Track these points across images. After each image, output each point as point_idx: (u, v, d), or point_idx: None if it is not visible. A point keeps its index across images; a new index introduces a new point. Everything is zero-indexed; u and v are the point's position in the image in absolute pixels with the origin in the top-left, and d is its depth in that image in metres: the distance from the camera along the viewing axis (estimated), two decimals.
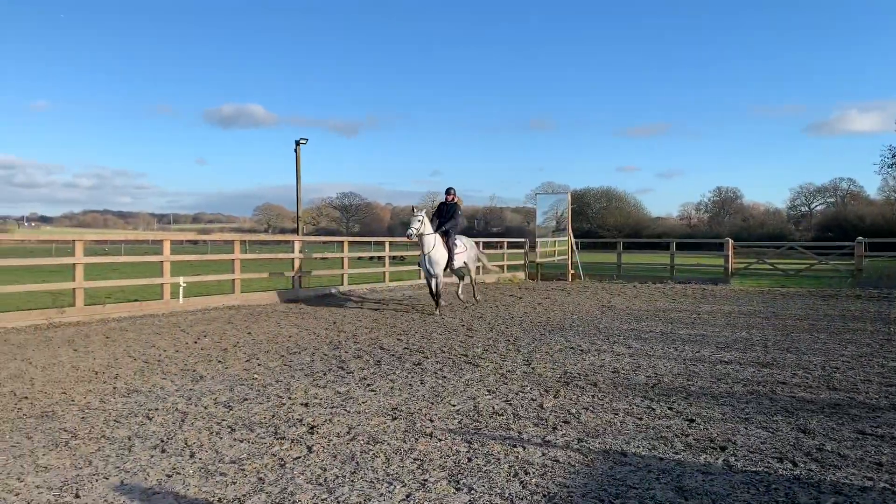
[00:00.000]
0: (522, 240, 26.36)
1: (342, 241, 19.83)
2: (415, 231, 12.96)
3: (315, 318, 12.25)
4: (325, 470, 4.33)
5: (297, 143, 28.98)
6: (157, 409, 5.81)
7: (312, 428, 5.25)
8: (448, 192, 14.27)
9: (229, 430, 5.23)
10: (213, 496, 3.89)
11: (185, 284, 13.49)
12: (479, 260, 15.80)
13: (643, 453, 4.73)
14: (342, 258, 18.20)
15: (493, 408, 5.91)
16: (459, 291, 15.68)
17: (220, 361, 8.05)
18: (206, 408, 5.90)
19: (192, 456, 4.59)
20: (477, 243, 16.53)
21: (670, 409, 5.92)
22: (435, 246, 13.25)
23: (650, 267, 25.00)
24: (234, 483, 4.09)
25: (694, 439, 5.06)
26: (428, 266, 13.32)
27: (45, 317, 11.14)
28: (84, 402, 6.10)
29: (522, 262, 25.06)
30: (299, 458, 4.57)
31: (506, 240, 25.57)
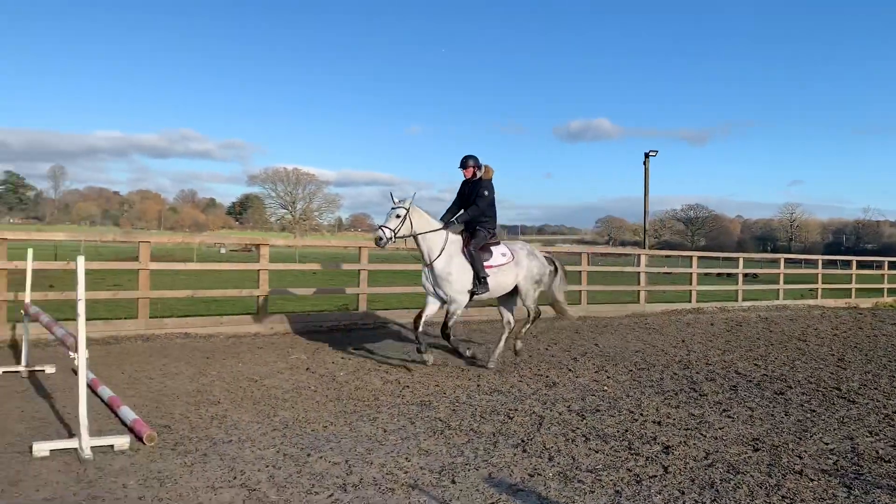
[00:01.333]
0: None
1: (689, 256, 19.11)
2: (385, 235, 7.78)
3: (661, 335, 11.99)
4: (684, 493, 4.20)
5: (647, 156, 28.71)
6: (516, 410, 6.21)
7: (667, 448, 5.14)
8: (465, 163, 8.40)
9: (584, 438, 5.37)
10: (573, 502, 4.03)
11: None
12: (540, 283, 8.87)
13: None
14: (690, 273, 17.54)
15: (877, 452, 5.18)
16: (517, 338, 9.00)
17: (570, 370, 8.31)
18: (560, 414, 6.14)
19: (550, 459, 4.82)
20: (526, 250, 8.93)
21: None
22: (444, 252, 8.04)
23: None
24: (592, 492, 4.19)
25: None
26: (430, 285, 8.17)
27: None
28: (454, 395, 6.78)
29: None
30: (655, 476, 4.51)
31: (886, 259, 22.24)
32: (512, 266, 8.47)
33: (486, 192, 8.27)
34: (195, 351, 8.90)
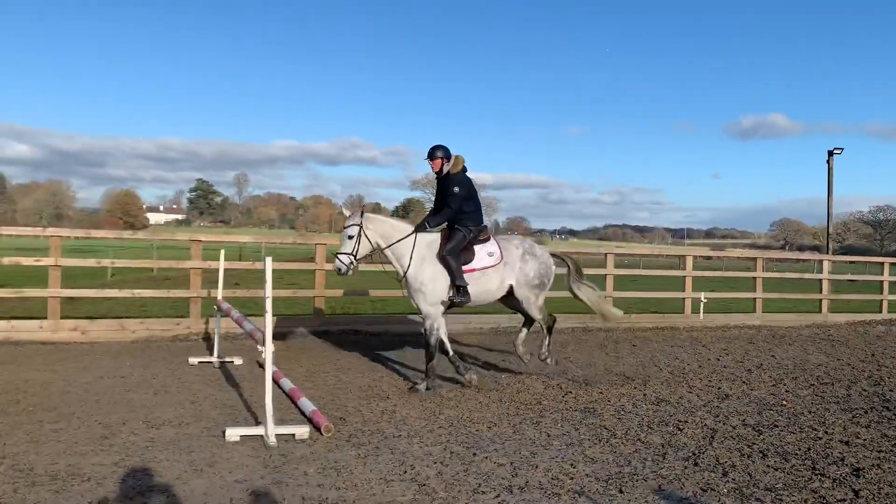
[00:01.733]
0: None
1: (881, 263, 17.41)
2: (344, 263, 6.93)
3: (847, 347, 11.01)
4: None
5: (830, 154, 26.52)
6: (685, 422, 5.96)
7: (857, 470, 4.73)
8: (432, 155, 7.19)
9: (761, 454, 5.06)
10: None
11: (706, 300, 13.56)
12: (543, 282, 7.56)
13: None
14: (881, 281, 15.99)
15: None
16: (519, 342, 7.70)
17: (744, 382, 7.86)
18: (734, 427, 5.82)
19: (724, 475, 4.58)
20: (522, 248, 7.59)
21: None
22: (414, 260, 7.04)
23: None
24: None
25: None
26: (409, 296, 7.30)
27: (582, 321, 12.45)
28: (619, 403, 6.63)
29: None
30: (844, 500, 4.16)
31: None
32: (500, 268, 7.32)
33: (457, 189, 7.08)
34: (366, 348, 9.34)
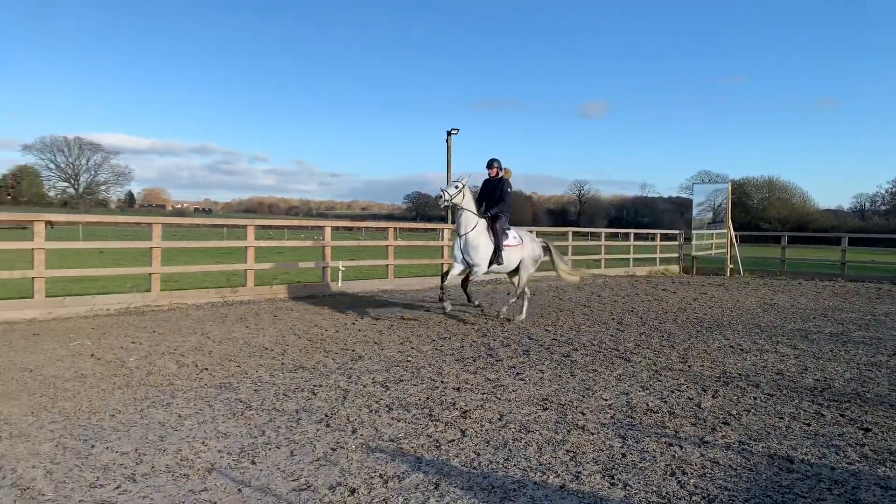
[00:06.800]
0: (676, 231, 25.43)
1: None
2: (445, 196, 9.90)
3: (462, 306, 12.46)
4: (479, 455, 4.43)
5: (449, 133, 29.31)
6: (321, 386, 6.18)
7: (465, 412, 5.38)
8: (490, 164, 10.63)
9: (387, 409, 5.46)
10: (375, 472, 4.09)
11: (343, 269, 14.17)
12: (537, 262, 11.23)
13: (812, 461, 4.45)
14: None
15: (648, 405, 5.78)
16: (503, 309, 11.04)
17: (376, 343, 8.41)
18: (364, 386, 6.19)
19: (353, 432, 4.85)
20: (530, 236, 11.25)
21: (842, 415, 5.53)
22: (476, 228, 10.15)
23: (818, 263, 23.17)
24: (394, 461, 4.28)
25: (871, 450, 4.69)
26: (462, 253, 10.15)
27: (221, 295, 12.11)
28: (256, 375, 6.60)
29: (676, 254, 24.18)
30: (454, 440, 4.70)
31: (658, 231, 24.78)
32: (520, 248, 10.74)
33: (509, 190, 10.54)
34: None
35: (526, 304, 11.03)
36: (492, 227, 10.33)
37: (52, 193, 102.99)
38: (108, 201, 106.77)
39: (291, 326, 9.53)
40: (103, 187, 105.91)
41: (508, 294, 11.83)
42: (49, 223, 10.65)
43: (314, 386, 6.16)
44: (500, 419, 5.24)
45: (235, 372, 6.70)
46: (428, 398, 5.82)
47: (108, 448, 4.41)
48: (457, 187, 10.03)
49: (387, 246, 15.48)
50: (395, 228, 16.51)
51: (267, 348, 7.91)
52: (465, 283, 10.69)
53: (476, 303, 11.13)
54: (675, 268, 23.68)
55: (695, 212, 23.83)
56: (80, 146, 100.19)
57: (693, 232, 23.30)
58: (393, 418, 5.20)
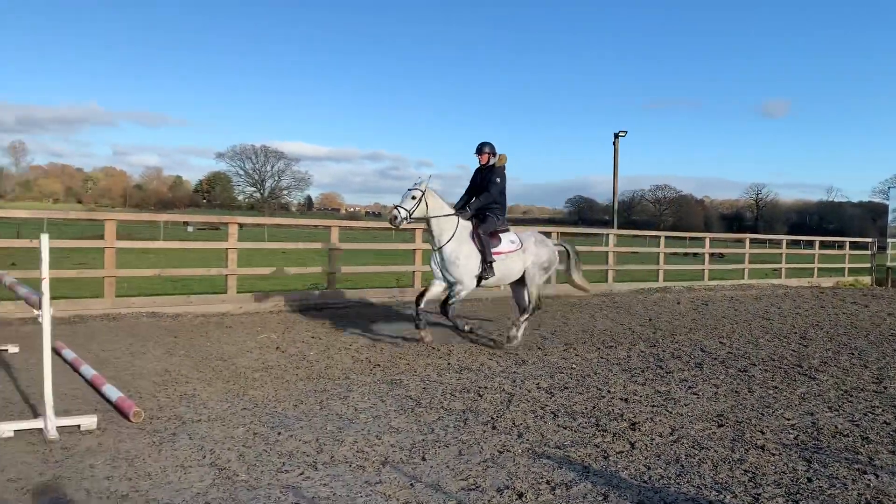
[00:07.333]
0: (868, 240, 23.24)
1: (659, 236, 19.30)
2: (401, 215, 7.91)
3: (629, 314, 12.14)
4: (650, 468, 4.29)
5: (616, 136, 28.65)
6: (486, 388, 6.26)
7: (634, 424, 5.23)
8: (480, 149, 8.56)
9: (552, 415, 5.44)
10: (542, 477, 4.09)
11: None
12: (548, 270, 9.05)
13: None
14: (659, 253, 17.78)
15: (836, 427, 5.32)
16: (514, 325, 8.70)
17: (539, 348, 8.39)
18: (529, 391, 6.20)
19: (519, 436, 4.87)
20: (535, 238, 9.00)
21: None
22: (455, 236, 8.15)
23: None
24: (560, 468, 4.26)
25: None
26: (438, 268, 8.28)
27: (390, 295, 12.62)
28: (424, 373, 6.81)
29: (868, 264, 22.09)
30: (622, 452, 4.59)
31: (847, 239, 22.78)
32: (520, 253, 8.60)
33: (499, 180, 8.42)
34: (163, 330, 8.81)
35: (523, 327, 8.69)
36: (475, 230, 8.30)
37: (240, 197, 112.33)
38: (290, 205, 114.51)
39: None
40: (285, 192, 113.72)
41: (508, 319, 9.37)
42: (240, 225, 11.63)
43: (479, 388, 6.26)
44: (671, 433, 5.05)
45: (405, 369, 6.95)
46: (594, 407, 5.73)
47: (292, 436, 4.74)
48: (414, 197, 7.98)
49: None
50: (557, 233, 16.38)
51: (434, 348, 8.14)
52: (444, 305, 8.32)
53: (467, 328, 8.71)
54: (866, 279, 21.62)
55: (890, 217, 21.76)
56: (266, 154, 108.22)
57: (889, 240, 21.23)
58: (559, 425, 5.17)
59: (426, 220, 8.18)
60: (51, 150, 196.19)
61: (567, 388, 6.40)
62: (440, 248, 8.12)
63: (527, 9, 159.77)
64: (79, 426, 4.71)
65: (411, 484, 3.91)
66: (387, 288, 13.17)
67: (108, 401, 5.35)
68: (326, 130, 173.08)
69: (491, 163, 8.55)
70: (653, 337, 9.58)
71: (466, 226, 8.30)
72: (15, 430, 4.56)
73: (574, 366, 7.42)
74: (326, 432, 4.85)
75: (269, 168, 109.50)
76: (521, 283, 8.81)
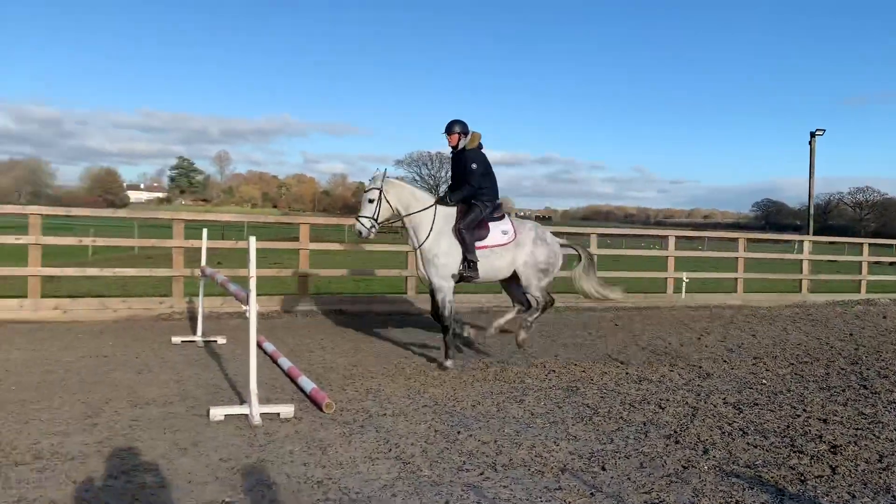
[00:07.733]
0: None
1: (861, 243, 17.59)
2: (365, 226, 7.03)
3: (826, 327, 11.17)
4: (854, 497, 3.93)
5: (812, 135, 26.49)
6: (668, 400, 6.04)
7: (835, 447, 4.81)
8: (449, 129, 7.31)
9: (741, 432, 5.14)
10: (731, 497, 3.88)
11: (688, 280, 13.67)
12: (547, 271, 7.56)
13: None
14: (861, 262, 16.21)
15: None
16: (500, 323, 7.70)
17: (725, 361, 7.96)
18: (714, 406, 5.90)
19: (705, 452, 4.65)
20: (536, 232, 7.61)
21: None
22: (434, 231, 7.11)
23: None
24: (752, 489, 4.01)
25: None
26: (421, 268, 7.30)
27: (566, 301, 12.51)
28: (601, 382, 6.69)
29: None
30: (822, 477, 4.24)
31: None
32: (511, 248, 7.34)
33: (475, 165, 7.15)
34: (350, 327, 9.35)
35: (527, 331, 7.67)
36: (457, 224, 7.14)
37: None
38: None
39: (633, 336, 9.47)
40: None
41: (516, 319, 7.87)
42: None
43: (661, 400, 6.05)
44: (879, 460, 4.59)
45: (581, 377, 6.87)
46: (788, 426, 5.34)
47: (471, 436, 4.85)
48: (371, 200, 7.03)
49: (736, 257, 14.55)
50: (744, 239, 15.43)
51: (610, 356, 7.97)
52: (438, 317, 7.31)
53: (466, 334, 7.49)
54: None
55: None
56: (440, 160, 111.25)
57: None
58: (748, 443, 4.87)
59: (400, 218, 7.24)
60: (250, 158, 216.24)
61: (757, 404, 6.01)
62: (420, 247, 7.14)
63: (714, 12, 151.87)
64: (278, 414, 5.12)
65: (591, 493, 3.86)
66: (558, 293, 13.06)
67: (303, 391, 5.78)
68: (499, 136, 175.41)
69: (461, 145, 7.30)
70: (855, 354, 8.75)
71: (448, 214, 7.18)
72: (225, 415, 5.05)
73: (764, 381, 6.96)
74: (504, 434, 4.91)
75: (443, 174, 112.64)
76: (515, 280, 7.60)
